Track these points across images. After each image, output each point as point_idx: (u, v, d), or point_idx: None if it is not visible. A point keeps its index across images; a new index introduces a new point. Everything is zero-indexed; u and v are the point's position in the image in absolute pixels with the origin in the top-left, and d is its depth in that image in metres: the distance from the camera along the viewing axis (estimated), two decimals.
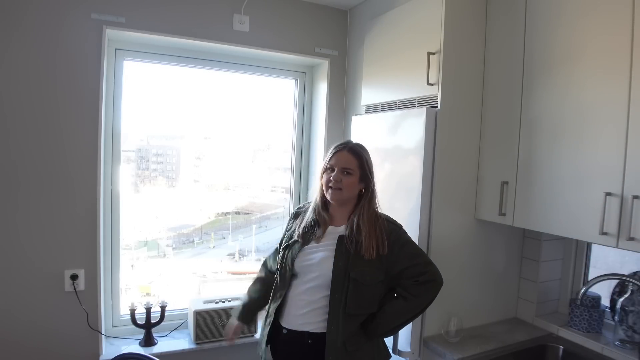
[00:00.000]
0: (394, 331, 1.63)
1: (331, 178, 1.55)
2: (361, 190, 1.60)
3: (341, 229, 1.58)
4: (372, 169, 1.61)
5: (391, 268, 1.52)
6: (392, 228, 1.56)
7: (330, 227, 1.60)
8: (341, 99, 2.62)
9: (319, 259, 1.54)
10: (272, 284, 1.67)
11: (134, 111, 2.34)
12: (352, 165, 1.56)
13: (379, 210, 1.60)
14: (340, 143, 1.62)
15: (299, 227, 1.64)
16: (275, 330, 1.60)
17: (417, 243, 1.74)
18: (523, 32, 1.70)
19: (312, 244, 1.58)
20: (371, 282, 1.50)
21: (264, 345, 1.62)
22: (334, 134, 2.57)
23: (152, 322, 2.22)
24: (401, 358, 1.82)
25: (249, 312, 1.78)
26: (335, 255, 1.52)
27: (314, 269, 1.54)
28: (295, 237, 1.62)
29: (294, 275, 1.58)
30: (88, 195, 2.03)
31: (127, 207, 2.37)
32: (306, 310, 1.53)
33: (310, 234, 1.60)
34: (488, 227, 1.92)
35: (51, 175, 1.99)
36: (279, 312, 1.59)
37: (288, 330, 1.56)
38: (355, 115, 2.32)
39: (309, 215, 1.64)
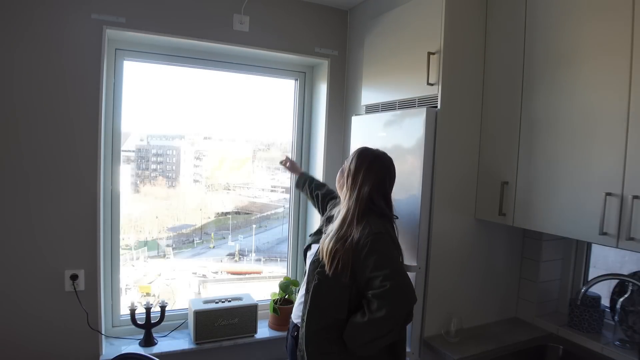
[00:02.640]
0: (361, 350, 1.44)
1: None
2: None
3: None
4: (352, 174, 1.55)
5: (358, 275, 1.44)
6: (365, 233, 1.44)
7: None
8: (341, 99, 2.62)
9: (312, 253, 1.64)
10: (318, 188, 2.07)
11: (134, 111, 2.34)
12: (348, 158, 1.64)
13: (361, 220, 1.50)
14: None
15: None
16: None
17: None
18: (523, 32, 1.70)
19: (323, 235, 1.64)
20: (334, 284, 1.45)
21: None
22: (334, 134, 2.58)
23: (152, 322, 2.22)
24: None
25: (307, 179, 2.15)
26: (317, 251, 1.57)
27: (308, 262, 1.64)
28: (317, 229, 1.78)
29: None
30: (88, 195, 2.03)
31: (127, 207, 2.37)
32: (298, 303, 1.66)
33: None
34: (488, 227, 1.92)
35: (51, 175, 1.99)
36: None
37: (291, 320, 1.72)
38: (355, 115, 2.32)
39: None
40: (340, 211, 1.57)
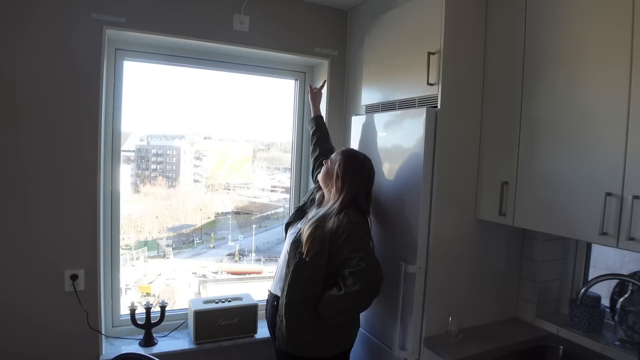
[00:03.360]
0: (333, 319, 1.68)
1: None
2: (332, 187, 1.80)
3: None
4: (340, 178, 1.77)
5: (335, 257, 1.67)
6: (344, 222, 1.67)
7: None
8: (341, 99, 2.62)
9: (293, 231, 1.84)
10: (318, 143, 2.23)
11: (134, 111, 2.34)
12: (333, 158, 1.84)
13: (343, 214, 1.71)
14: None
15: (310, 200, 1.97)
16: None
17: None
18: (523, 32, 1.70)
19: (305, 219, 1.84)
20: (312, 263, 1.67)
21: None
22: (334, 134, 2.57)
23: (152, 322, 2.22)
24: (401, 358, 1.82)
25: (314, 127, 2.26)
26: (298, 230, 1.78)
27: (289, 240, 1.84)
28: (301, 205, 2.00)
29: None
30: (88, 196, 2.03)
31: (127, 207, 2.37)
32: (278, 276, 1.85)
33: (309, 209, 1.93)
34: (488, 227, 1.91)
35: (51, 175, 1.99)
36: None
37: (270, 292, 1.91)
38: (355, 115, 2.32)
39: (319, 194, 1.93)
40: (326, 205, 1.80)
